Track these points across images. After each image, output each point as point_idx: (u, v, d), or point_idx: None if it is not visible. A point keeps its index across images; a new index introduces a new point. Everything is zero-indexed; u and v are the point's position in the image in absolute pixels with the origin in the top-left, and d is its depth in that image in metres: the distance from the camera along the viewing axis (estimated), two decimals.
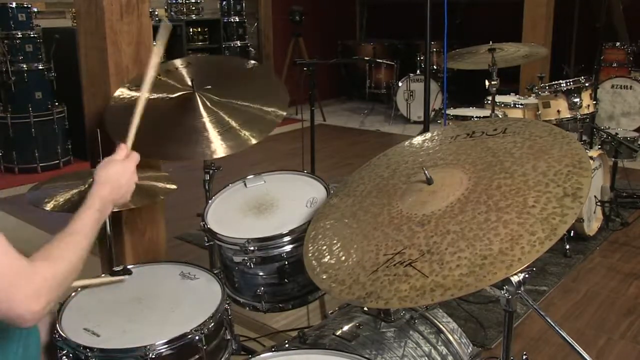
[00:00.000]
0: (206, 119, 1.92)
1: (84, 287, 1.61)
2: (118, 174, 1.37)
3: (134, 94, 2.07)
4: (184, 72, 2.17)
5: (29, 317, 1.07)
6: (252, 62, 2.31)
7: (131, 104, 2.04)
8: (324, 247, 1.41)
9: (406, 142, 1.69)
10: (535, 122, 1.50)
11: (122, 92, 2.12)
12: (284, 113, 2.01)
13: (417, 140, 1.67)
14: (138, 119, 1.49)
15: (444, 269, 1.15)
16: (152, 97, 2.04)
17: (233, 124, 1.92)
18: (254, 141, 1.88)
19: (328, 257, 1.37)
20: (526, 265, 1.09)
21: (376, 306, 1.34)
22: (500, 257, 1.11)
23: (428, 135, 1.67)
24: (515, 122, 1.52)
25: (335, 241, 1.41)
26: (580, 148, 1.31)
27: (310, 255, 1.41)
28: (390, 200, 1.44)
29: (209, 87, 2.05)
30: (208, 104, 1.98)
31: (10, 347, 1.33)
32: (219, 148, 1.84)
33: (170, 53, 6.26)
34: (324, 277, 1.31)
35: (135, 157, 1.44)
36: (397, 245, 1.26)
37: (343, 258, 1.33)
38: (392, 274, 1.20)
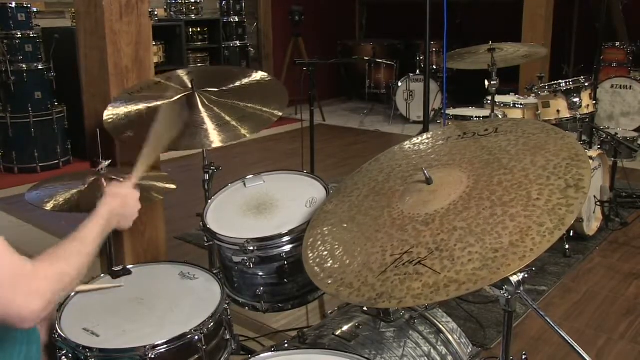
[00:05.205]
0: (204, 114, 1.99)
1: (83, 292, 1.60)
2: (127, 194, 1.48)
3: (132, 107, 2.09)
4: (185, 78, 2.20)
5: (29, 316, 1.07)
6: (256, 73, 2.30)
7: (130, 106, 2.06)
8: (325, 252, 1.40)
9: (396, 147, 1.69)
10: (526, 120, 1.51)
11: (120, 97, 2.13)
12: (281, 113, 2.06)
13: (408, 144, 1.67)
14: (144, 168, 1.57)
15: (456, 264, 1.15)
16: (153, 98, 2.07)
17: (230, 119, 1.98)
18: (249, 135, 1.95)
19: (331, 262, 1.36)
20: (539, 255, 1.10)
21: (389, 306, 1.35)
22: (512, 249, 1.12)
23: (419, 139, 1.67)
24: (506, 121, 1.53)
25: (336, 246, 1.40)
26: (575, 142, 1.32)
27: (311, 262, 1.40)
28: (390, 202, 1.43)
29: (209, 89, 2.09)
30: (207, 102, 2.03)
31: (13, 348, 1.33)
32: (215, 139, 1.92)
33: (170, 53, 6.27)
34: (330, 282, 1.31)
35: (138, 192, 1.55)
36: (403, 245, 1.26)
37: (347, 262, 1.33)
38: (402, 273, 1.20)
